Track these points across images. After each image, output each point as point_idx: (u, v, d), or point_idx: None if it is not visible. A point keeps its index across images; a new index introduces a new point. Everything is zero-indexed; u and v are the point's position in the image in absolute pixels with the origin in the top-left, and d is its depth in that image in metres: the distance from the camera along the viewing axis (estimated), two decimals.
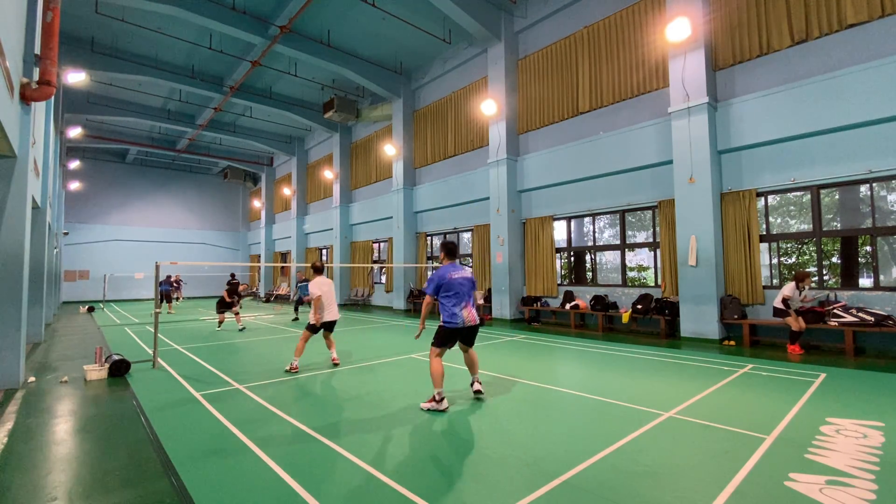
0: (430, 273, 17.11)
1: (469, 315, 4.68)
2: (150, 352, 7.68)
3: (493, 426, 4.07)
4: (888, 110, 7.30)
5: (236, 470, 3.20)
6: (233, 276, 12.90)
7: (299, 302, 14.54)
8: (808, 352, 7.57)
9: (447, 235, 16.84)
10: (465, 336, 4.82)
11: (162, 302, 16.71)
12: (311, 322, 6.49)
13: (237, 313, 11.87)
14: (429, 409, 4.51)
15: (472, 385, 5.00)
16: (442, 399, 4.53)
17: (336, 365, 6.83)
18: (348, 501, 2.74)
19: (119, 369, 6.27)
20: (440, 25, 14.05)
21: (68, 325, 13.33)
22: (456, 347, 4.95)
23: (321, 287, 6.49)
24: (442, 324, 4.71)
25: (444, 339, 4.69)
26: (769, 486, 2.86)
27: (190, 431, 4.02)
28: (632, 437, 3.72)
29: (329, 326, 6.70)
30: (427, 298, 4.77)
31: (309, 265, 7.27)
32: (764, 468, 3.12)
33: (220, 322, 11.92)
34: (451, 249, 4.93)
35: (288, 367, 6.51)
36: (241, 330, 11.41)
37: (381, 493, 2.84)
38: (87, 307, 18.43)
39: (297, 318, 14.12)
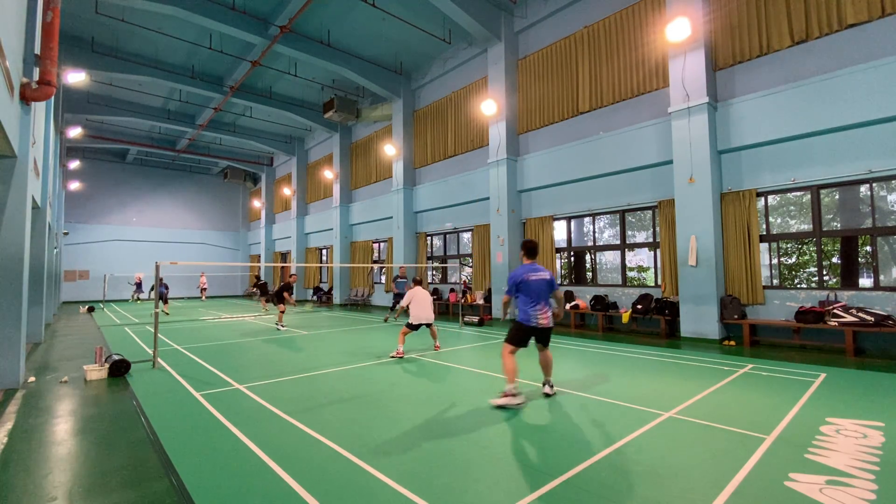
0: (430, 274, 17.12)
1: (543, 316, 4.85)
2: (150, 352, 7.68)
3: (493, 426, 4.07)
4: (888, 110, 7.30)
5: (236, 470, 3.20)
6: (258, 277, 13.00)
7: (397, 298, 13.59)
8: (809, 351, 7.58)
9: (447, 235, 16.86)
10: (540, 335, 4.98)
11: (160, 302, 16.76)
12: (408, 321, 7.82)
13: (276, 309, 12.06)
14: (504, 405, 4.58)
15: (544, 385, 5.13)
16: (517, 394, 4.63)
17: (437, 350, 8.00)
18: (347, 500, 2.74)
19: (119, 369, 6.26)
20: (440, 25, 14.05)
21: (68, 325, 13.33)
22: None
23: (415, 295, 7.80)
24: (517, 320, 4.95)
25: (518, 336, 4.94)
26: (769, 486, 2.86)
27: (190, 431, 4.02)
28: (632, 437, 3.72)
29: (420, 326, 7.85)
30: (505, 297, 5.03)
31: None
32: (764, 468, 3.12)
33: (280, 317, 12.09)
34: (530, 249, 5.09)
35: (393, 354, 7.45)
36: (280, 329, 11.57)
37: (381, 492, 2.84)
38: (87, 307, 18.43)
39: (386, 320, 13.32)
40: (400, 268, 14.28)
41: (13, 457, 3.53)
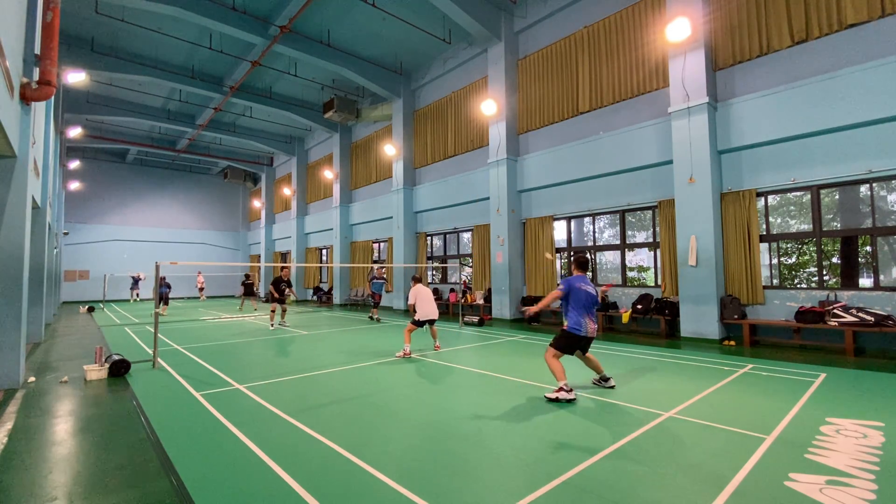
0: (428, 274, 17.12)
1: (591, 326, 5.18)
2: (150, 352, 7.68)
3: (493, 426, 4.07)
4: (888, 110, 7.30)
5: (236, 470, 3.20)
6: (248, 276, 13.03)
7: (374, 302, 13.72)
8: (809, 351, 7.58)
9: (447, 235, 16.86)
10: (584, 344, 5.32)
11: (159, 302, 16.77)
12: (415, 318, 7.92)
13: (274, 311, 12.07)
14: (558, 398, 4.85)
15: (606, 381, 5.46)
16: (570, 389, 4.90)
17: (437, 350, 8.10)
18: (348, 501, 2.74)
19: (119, 369, 6.26)
20: (440, 25, 14.05)
21: (68, 325, 13.33)
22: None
23: (419, 293, 7.92)
24: (566, 329, 5.19)
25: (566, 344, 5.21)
26: (769, 486, 2.86)
27: (190, 431, 4.02)
28: (632, 437, 3.72)
29: (426, 322, 7.97)
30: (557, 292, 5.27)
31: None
32: (764, 468, 3.12)
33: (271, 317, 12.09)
34: (582, 263, 5.44)
35: (400, 354, 7.56)
36: (272, 328, 11.55)
37: (381, 492, 2.84)
38: (87, 307, 18.43)
39: (378, 320, 13.29)
40: (377, 268, 14.31)
41: (13, 457, 3.53)
